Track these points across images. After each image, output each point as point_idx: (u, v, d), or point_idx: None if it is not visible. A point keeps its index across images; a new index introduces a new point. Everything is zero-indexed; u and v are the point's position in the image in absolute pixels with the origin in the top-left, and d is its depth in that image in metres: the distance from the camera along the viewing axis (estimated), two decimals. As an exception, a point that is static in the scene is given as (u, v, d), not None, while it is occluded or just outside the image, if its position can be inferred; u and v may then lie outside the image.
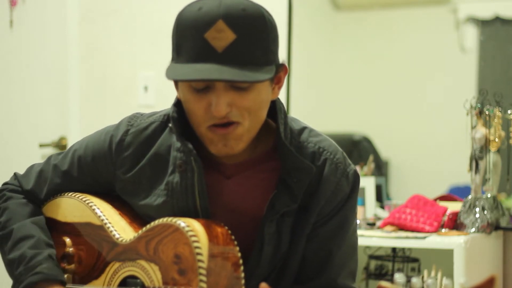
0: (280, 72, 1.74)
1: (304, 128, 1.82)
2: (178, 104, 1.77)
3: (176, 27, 1.69)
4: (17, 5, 3.52)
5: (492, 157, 3.09)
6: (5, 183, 1.96)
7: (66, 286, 1.80)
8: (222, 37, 1.62)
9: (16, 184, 1.93)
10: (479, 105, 3.09)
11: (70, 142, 3.65)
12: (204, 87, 1.66)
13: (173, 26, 1.70)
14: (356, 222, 1.85)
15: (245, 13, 1.64)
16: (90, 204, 1.83)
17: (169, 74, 1.66)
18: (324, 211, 1.77)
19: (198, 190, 1.74)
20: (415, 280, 1.38)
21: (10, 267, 1.82)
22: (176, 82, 1.74)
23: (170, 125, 1.79)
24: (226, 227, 1.71)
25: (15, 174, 1.96)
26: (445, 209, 3.09)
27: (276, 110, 1.77)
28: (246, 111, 1.67)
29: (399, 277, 1.36)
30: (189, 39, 1.64)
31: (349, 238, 1.81)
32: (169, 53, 1.74)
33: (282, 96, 1.82)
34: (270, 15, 1.70)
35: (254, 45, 1.64)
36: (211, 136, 1.69)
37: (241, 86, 1.65)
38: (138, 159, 1.81)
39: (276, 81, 1.74)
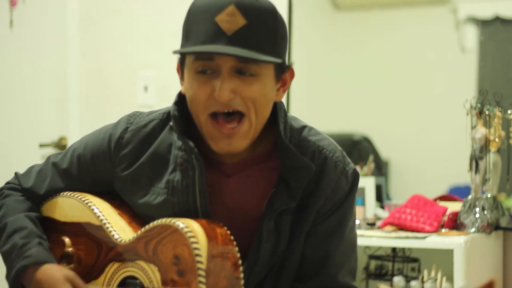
0: (286, 74, 1.76)
1: (304, 127, 1.82)
2: (179, 102, 1.77)
3: (187, 14, 1.72)
4: (17, 5, 3.52)
5: (492, 157, 3.09)
6: (6, 182, 1.96)
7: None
8: (232, 21, 1.65)
9: (16, 183, 1.94)
10: (479, 105, 3.09)
11: (70, 142, 3.65)
12: (209, 71, 1.67)
13: (185, 16, 1.72)
14: (355, 220, 1.86)
15: (257, 3, 1.67)
16: (89, 204, 1.83)
17: (175, 51, 1.68)
18: (323, 209, 1.78)
19: (199, 188, 1.74)
20: (414, 284, 1.38)
21: (5, 259, 1.83)
22: (182, 73, 1.74)
23: (170, 123, 1.80)
24: (225, 227, 1.71)
25: (15, 173, 1.97)
26: (445, 209, 3.09)
27: (276, 109, 1.78)
28: (251, 102, 1.68)
29: (398, 280, 1.36)
30: (200, 22, 1.67)
31: (347, 236, 1.82)
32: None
33: (282, 96, 1.82)
34: (281, 15, 1.73)
35: (263, 34, 1.66)
36: (212, 131, 1.69)
37: (246, 71, 1.67)
38: (137, 157, 1.82)
39: (281, 83, 1.76)
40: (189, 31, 1.70)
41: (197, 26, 1.67)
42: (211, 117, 1.69)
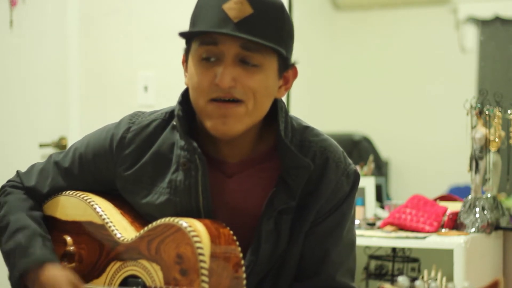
0: (289, 71, 1.76)
1: (306, 127, 1.83)
2: (183, 102, 1.78)
3: (196, 4, 1.73)
4: (17, 5, 3.52)
5: (492, 157, 3.09)
6: (8, 180, 1.97)
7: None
8: (239, 8, 1.66)
9: (18, 181, 1.94)
10: (479, 105, 3.09)
11: (70, 142, 3.65)
12: (213, 59, 1.69)
13: (194, 6, 1.74)
14: (354, 220, 1.86)
15: None
16: (92, 203, 1.83)
17: (181, 32, 1.70)
18: (323, 209, 1.78)
19: (202, 188, 1.74)
20: (418, 283, 1.37)
21: (7, 258, 1.83)
22: (186, 64, 1.75)
23: (174, 123, 1.80)
24: (228, 228, 1.71)
25: (17, 172, 1.97)
26: (445, 209, 3.09)
27: (277, 109, 1.78)
28: (251, 92, 1.69)
29: (402, 280, 1.36)
30: (207, 10, 1.69)
31: (346, 236, 1.82)
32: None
33: (282, 95, 1.83)
34: (288, 14, 1.75)
35: (268, 25, 1.68)
36: (210, 111, 1.70)
37: (249, 61, 1.68)
38: (139, 157, 1.82)
39: (284, 81, 1.76)
40: (196, 18, 1.72)
41: (204, 13, 1.69)
42: (210, 101, 1.70)
